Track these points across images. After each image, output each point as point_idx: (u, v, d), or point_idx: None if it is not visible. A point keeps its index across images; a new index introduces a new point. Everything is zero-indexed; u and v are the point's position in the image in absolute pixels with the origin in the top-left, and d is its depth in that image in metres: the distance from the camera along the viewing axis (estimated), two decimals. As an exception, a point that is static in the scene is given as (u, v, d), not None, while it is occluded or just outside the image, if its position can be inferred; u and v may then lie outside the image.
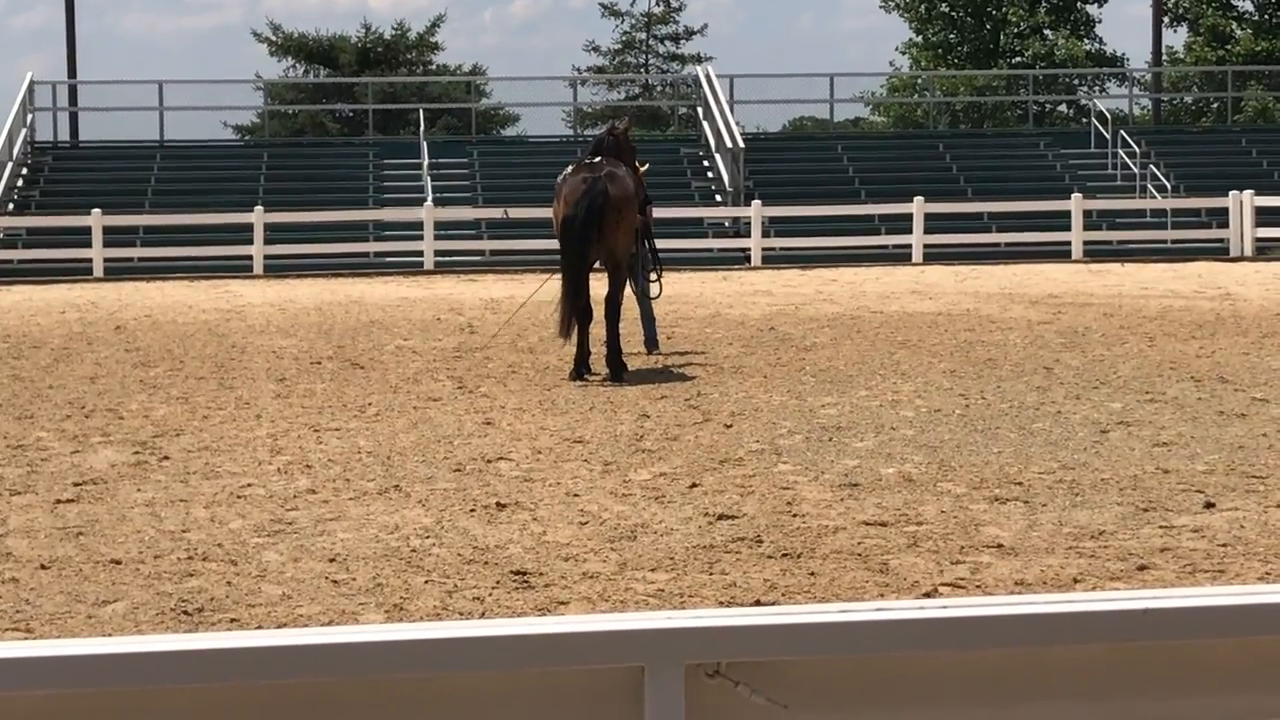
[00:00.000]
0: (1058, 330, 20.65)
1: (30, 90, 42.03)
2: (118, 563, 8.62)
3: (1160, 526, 9.27)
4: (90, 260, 35.41)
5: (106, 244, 35.74)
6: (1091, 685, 2.40)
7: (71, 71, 46.43)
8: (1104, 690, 2.40)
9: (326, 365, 17.90)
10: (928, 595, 7.82)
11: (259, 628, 7.38)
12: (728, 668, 2.32)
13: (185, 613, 7.64)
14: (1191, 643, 2.41)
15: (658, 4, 69.11)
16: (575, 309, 16.27)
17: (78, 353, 19.43)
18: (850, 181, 42.12)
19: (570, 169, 17.11)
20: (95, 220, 35.70)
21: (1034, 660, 2.38)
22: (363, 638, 2.31)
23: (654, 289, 18.60)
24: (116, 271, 35.31)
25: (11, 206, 39.37)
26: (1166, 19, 59.57)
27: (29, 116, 41.92)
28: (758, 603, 7.72)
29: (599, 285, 16.95)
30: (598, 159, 17.09)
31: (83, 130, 44.63)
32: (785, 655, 2.32)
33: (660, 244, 19.58)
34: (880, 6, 65.38)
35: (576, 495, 10.38)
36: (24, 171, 41.10)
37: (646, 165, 18.94)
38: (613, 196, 16.37)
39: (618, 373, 16.28)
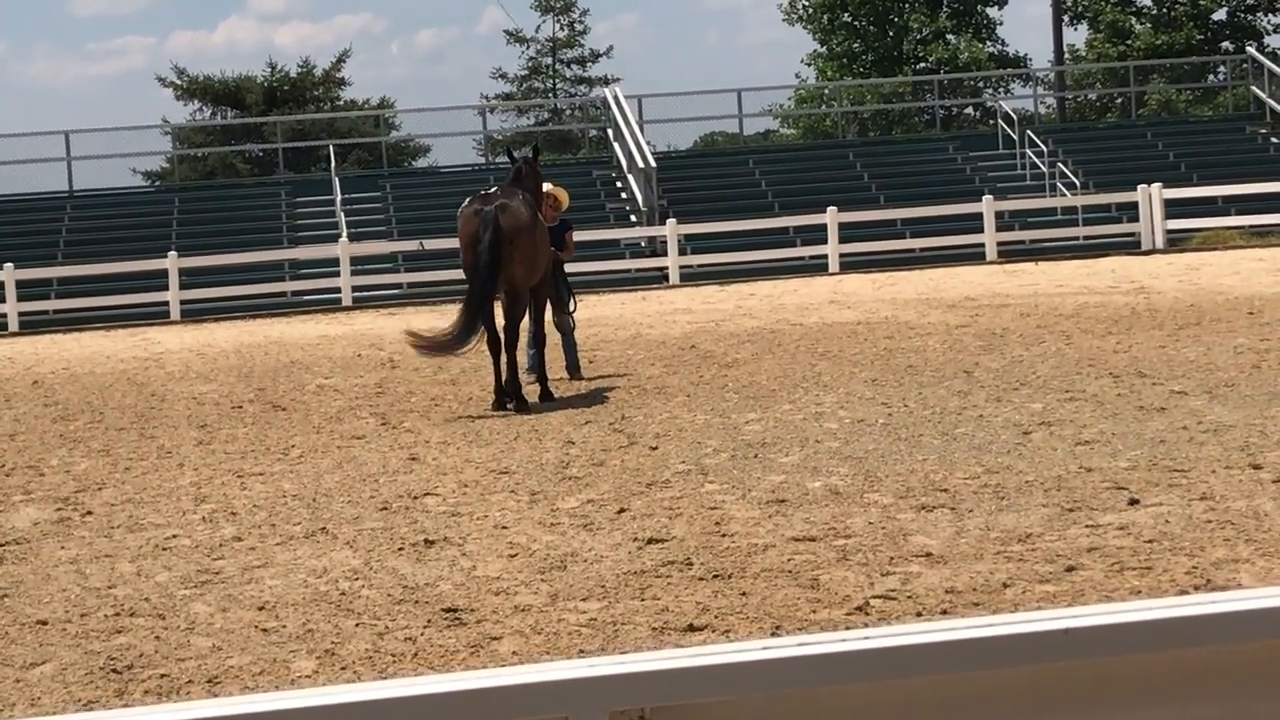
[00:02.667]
0: (976, 333, 20.77)
1: (-66, 146, 41.69)
2: (44, 623, 8.52)
3: (1086, 526, 9.32)
4: (4, 315, 35.13)
5: (20, 298, 35.48)
6: (1017, 708, 2.40)
7: (-25, 125, 46.05)
8: (1030, 712, 2.40)
9: (248, 409, 17.79)
10: (859, 609, 7.83)
11: (189, 683, 7.31)
12: (653, 713, 2.31)
13: (115, 670, 7.55)
14: (1116, 660, 2.42)
15: (562, 28, 69.20)
16: (485, 342, 16.32)
17: (-5, 410, 19.23)
18: (763, 195, 42.30)
19: (466, 202, 17.12)
20: (8, 275, 35.42)
21: (958, 685, 2.38)
22: (284, 704, 2.29)
23: (569, 320, 18.53)
24: (32, 325, 35.06)
25: (-79, 265, 38.99)
26: (1066, 18, 60.17)
27: (-66, 173, 41.58)
28: (690, 627, 7.71)
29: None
30: (494, 190, 17.15)
31: (-10, 184, 44.30)
32: (710, 697, 2.32)
33: (577, 267, 19.57)
34: (783, 20, 65.75)
35: (505, 527, 10.35)
36: (-68, 229, 40.74)
37: (559, 193, 18.86)
38: (504, 228, 16.36)
39: (520, 404, 16.23)
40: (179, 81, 63.86)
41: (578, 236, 20.26)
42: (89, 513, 11.85)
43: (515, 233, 16.49)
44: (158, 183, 55.70)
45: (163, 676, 7.41)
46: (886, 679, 2.36)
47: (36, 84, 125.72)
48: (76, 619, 8.58)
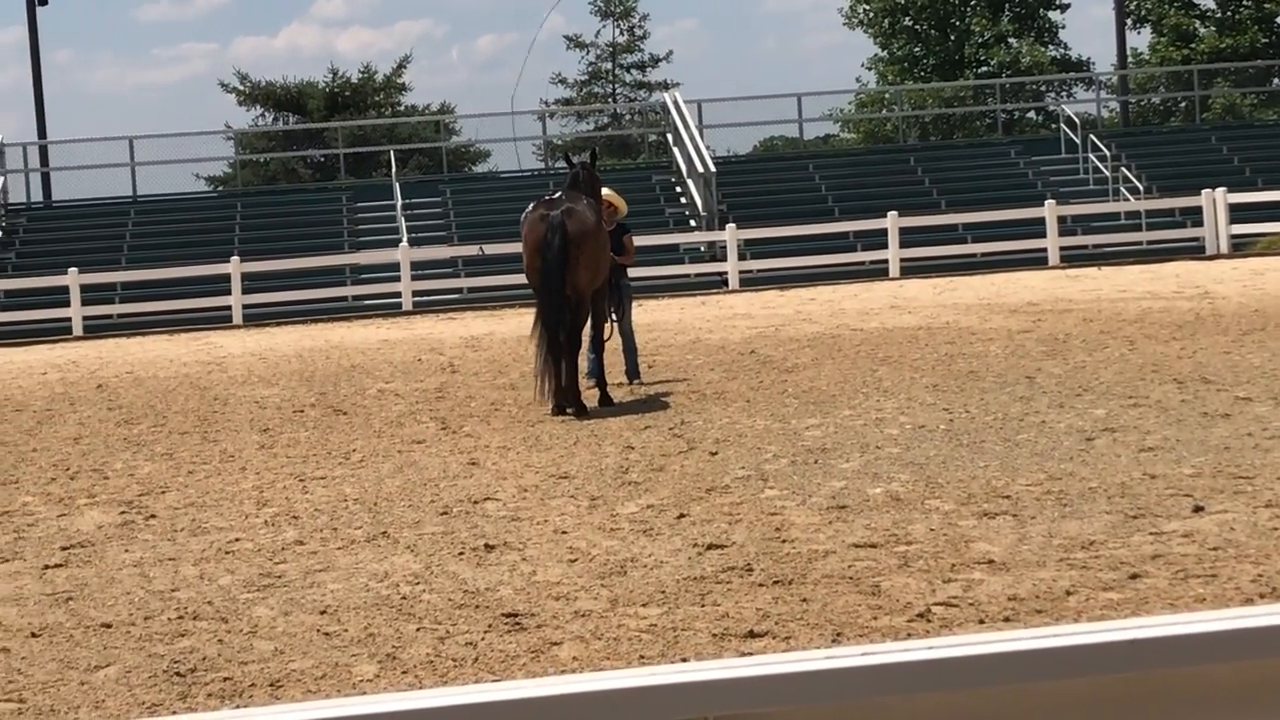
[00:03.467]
0: (1038, 338, 20.66)
1: (1, 152, 42.02)
2: (108, 626, 8.58)
3: (1150, 533, 9.26)
4: (69, 320, 35.38)
5: (85, 302, 35.72)
6: (1082, 719, 2.38)
7: (41, 132, 46.44)
8: (1095, 723, 2.39)
9: (309, 413, 17.86)
10: (921, 616, 7.80)
11: (252, 686, 7.34)
12: (715, 722, 2.31)
13: (178, 674, 7.60)
14: (1181, 671, 2.40)
15: (622, 34, 69.22)
16: (554, 363, 16.27)
17: (60, 414, 19.37)
18: (823, 200, 42.20)
19: (531, 207, 17.13)
20: (72, 279, 35.67)
21: (1021, 697, 2.37)
22: (346, 711, 2.29)
23: (607, 329, 18.32)
24: (96, 329, 35.29)
25: (-13, 269, 39.35)
26: (1129, 21, 59.81)
27: (1, 179, 41.89)
28: (750, 633, 7.69)
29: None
30: (558, 195, 17.16)
31: (55, 190, 44.69)
32: (772, 706, 2.30)
33: (637, 272, 19.54)
34: (844, 24, 65.61)
35: (565, 532, 10.35)
36: (-2, 234, 41.08)
37: (616, 200, 18.85)
38: (571, 233, 16.37)
39: (580, 409, 16.24)
40: (241, 87, 64.18)
41: (637, 241, 20.26)
42: (153, 516, 11.92)
43: (582, 238, 16.50)
44: (220, 188, 55.98)
45: (225, 680, 7.45)
46: (950, 689, 2.35)
47: (101, 90, 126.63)
48: (140, 622, 8.63)
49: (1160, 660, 2.37)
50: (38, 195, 44.21)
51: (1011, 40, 62.64)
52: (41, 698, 7.37)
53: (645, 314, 26.66)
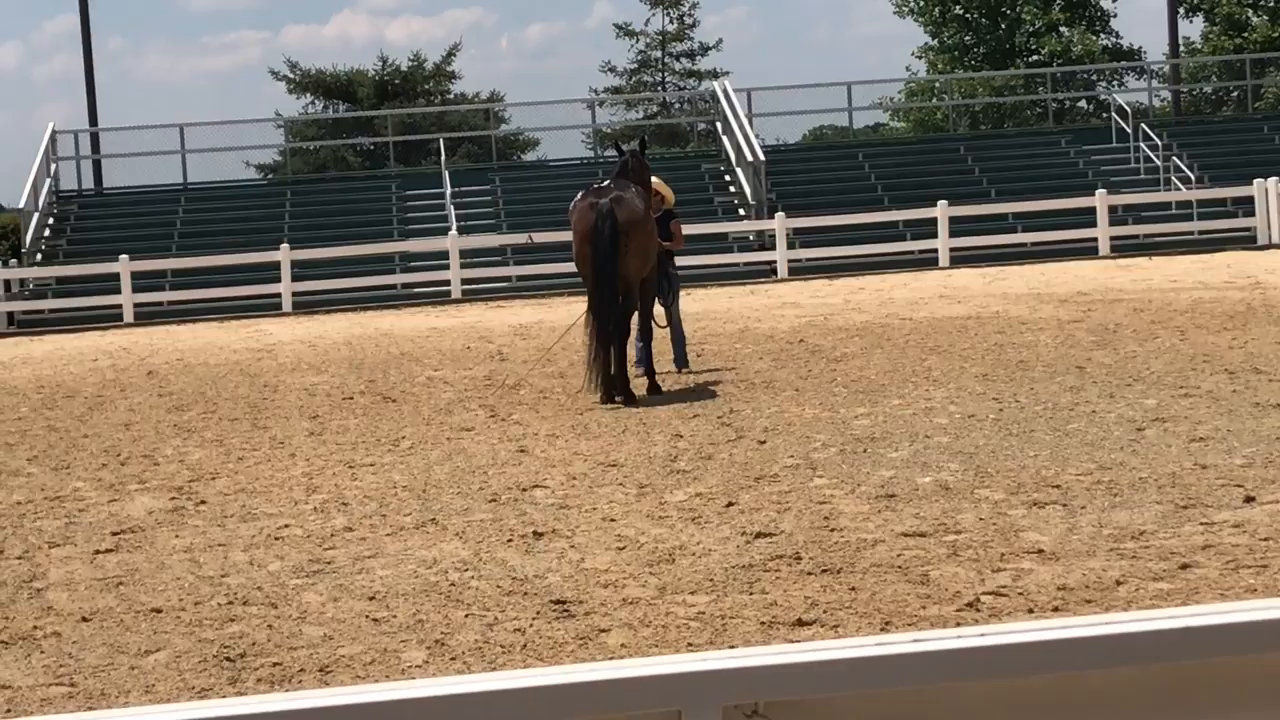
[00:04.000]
0: (1088, 328, 20.58)
1: (53, 140, 42.24)
2: (158, 611, 8.62)
3: (1201, 524, 9.22)
4: (120, 306, 35.57)
5: (135, 289, 35.91)
6: (1133, 707, 2.37)
7: (93, 119, 46.61)
8: (1147, 712, 2.37)
9: (358, 400, 17.92)
10: (970, 605, 7.78)
11: (301, 671, 7.37)
12: (766, 707, 2.30)
13: (228, 659, 7.63)
14: (1235, 659, 2.39)
15: (671, 22, 69.14)
16: (604, 352, 16.28)
17: (111, 400, 19.48)
18: (873, 189, 42.08)
19: (580, 195, 17.12)
20: (123, 266, 35.86)
21: (1073, 684, 2.36)
22: (397, 695, 2.30)
23: (658, 315, 18.37)
24: (146, 316, 35.48)
25: (39, 256, 39.56)
26: (1182, 9, 59.41)
27: (52, 166, 42.13)
28: (799, 621, 7.69)
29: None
30: (607, 183, 17.16)
31: (106, 177, 44.84)
32: (823, 692, 2.30)
33: (686, 260, 19.53)
34: (894, 12, 65.42)
35: (613, 520, 10.36)
36: (50, 221, 41.30)
37: (665, 190, 18.86)
38: (621, 221, 16.36)
39: (628, 397, 16.24)
40: (292, 75, 64.43)
41: (686, 230, 20.24)
42: (203, 502, 11.98)
43: (631, 225, 16.50)
44: (270, 175, 56.17)
45: (275, 665, 7.48)
46: (1001, 677, 2.34)
47: (152, 78, 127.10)
48: (190, 607, 8.68)
49: (1213, 648, 2.36)
50: (89, 182, 44.42)
51: (1063, 29, 62.35)
52: (92, 681, 7.41)
53: (694, 303, 26.65)
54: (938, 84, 59.40)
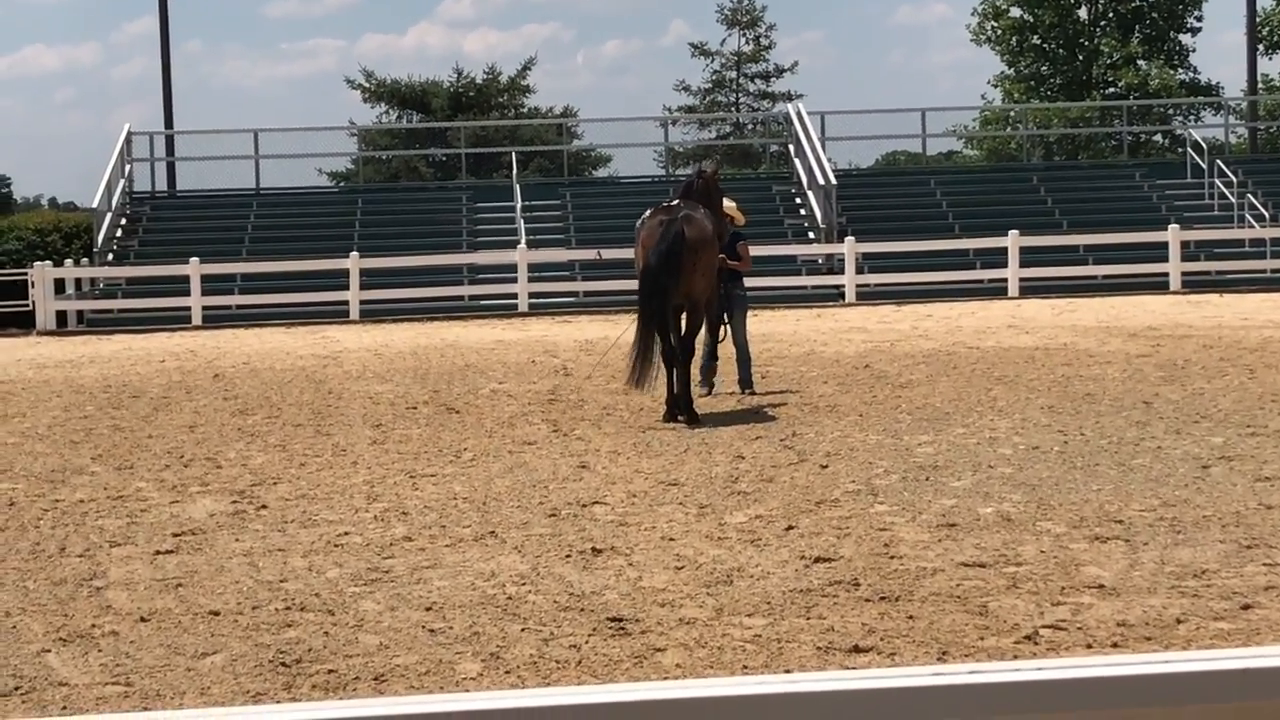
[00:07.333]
0: (1157, 363, 20.45)
1: (128, 141, 42.59)
2: (216, 614, 8.65)
3: (1264, 564, 9.13)
4: (189, 309, 35.82)
5: (204, 292, 36.15)
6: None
7: (168, 122, 46.99)
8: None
9: (422, 410, 17.97)
10: (1028, 638, 7.73)
11: (356, 679, 7.38)
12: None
13: (283, 664, 7.65)
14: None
15: (748, 43, 69.23)
16: (660, 355, 16.32)
17: (176, 402, 19.60)
18: (944, 216, 41.96)
19: (649, 213, 17.14)
20: (193, 269, 36.11)
21: (1131, 723, 2.34)
22: (450, 707, 2.29)
23: (722, 332, 18.40)
24: (214, 319, 35.70)
25: (111, 256, 39.87)
26: (1261, 47, 59.10)
27: (127, 167, 42.47)
28: (855, 648, 7.65)
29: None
30: (676, 201, 17.18)
31: (180, 180, 45.17)
32: (878, 721, 2.29)
33: (754, 281, 19.52)
34: (971, 40, 65.30)
35: (672, 539, 10.35)
36: (123, 221, 41.63)
37: (736, 214, 18.88)
38: (689, 239, 16.38)
39: (691, 417, 16.21)
40: (367, 84, 64.77)
41: (754, 251, 20.22)
42: (264, 506, 12.03)
43: (699, 244, 16.52)
44: (342, 183, 56.50)
45: (330, 672, 7.49)
46: (1057, 712, 2.32)
47: (228, 83, 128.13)
48: (248, 611, 8.71)
49: (1274, 690, 2.33)
50: (162, 184, 44.74)
51: (1140, 62, 62.07)
52: (148, 682, 7.44)
53: (760, 324, 26.62)
54: (1012, 113, 59.24)
